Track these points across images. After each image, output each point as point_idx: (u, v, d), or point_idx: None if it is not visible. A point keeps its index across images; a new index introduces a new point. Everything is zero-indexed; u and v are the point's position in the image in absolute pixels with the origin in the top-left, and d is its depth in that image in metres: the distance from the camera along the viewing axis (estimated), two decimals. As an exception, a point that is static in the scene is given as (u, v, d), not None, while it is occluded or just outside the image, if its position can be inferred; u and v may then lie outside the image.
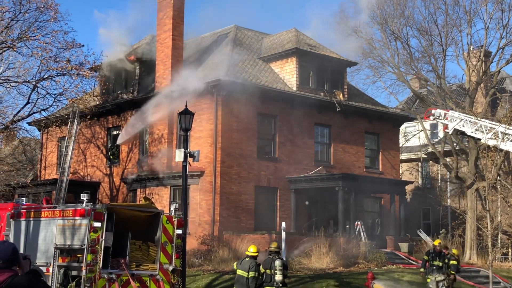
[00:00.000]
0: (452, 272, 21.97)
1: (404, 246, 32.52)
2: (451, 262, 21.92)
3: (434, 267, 21.52)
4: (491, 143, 30.56)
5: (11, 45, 28.75)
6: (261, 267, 16.37)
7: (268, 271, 16.18)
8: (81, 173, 38.24)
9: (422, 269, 22.18)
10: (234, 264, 16.57)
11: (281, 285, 16.12)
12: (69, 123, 33.45)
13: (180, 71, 33.59)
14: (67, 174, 32.91)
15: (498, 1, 35.88)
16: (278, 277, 16.03)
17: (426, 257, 22.00)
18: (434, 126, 43.87)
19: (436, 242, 22.46)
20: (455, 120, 33.31)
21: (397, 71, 39.47)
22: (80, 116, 33.85)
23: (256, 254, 16.28)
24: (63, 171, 33.02)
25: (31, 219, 17.58)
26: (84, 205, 15.71)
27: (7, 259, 5.79)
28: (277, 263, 16.12)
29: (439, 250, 21.84)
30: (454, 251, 23.11)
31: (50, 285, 15.94)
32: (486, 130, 31.82)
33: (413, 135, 45.53)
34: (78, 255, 15.70)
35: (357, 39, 38.90)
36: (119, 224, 15.86)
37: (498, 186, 34.16)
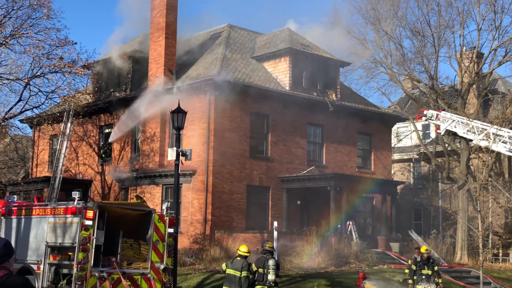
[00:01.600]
0: (439, 280, 20.64)
1: (395, 246, 32.60)
2: (434, 268, 20.59)
3: (423, 276, 20.20)
4: (483, 144, 30.67)
5: (4, 42, 28.67)
6: (253, 265, 16.38)
7: (260, 269, 16.18)
8: (73, 171, 38.14)
9: (410, 281, 20.63)
10: (223, 265, 16.54)
11: (273, 284, 16.13)
12: (63, 121, 33.33)
13: (173, 69, 33.58)
14: (60, 173, 32.78)
15: (490, 2, 36.00)
16: (271, 277, 16.04)
17: (414, 267, 20.63)
18: (426, 127, 43.99)
19: (423, 249, 21.06)
20: (447, 121, 33.38)
21: (390, 71, 39.56)
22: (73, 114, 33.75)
23: (247, 254, 16.30)
24: (56, 169, 32.88)
25: (22, 216, 17.53)
26: (75, 203, 15.67)
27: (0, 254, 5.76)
28: (271, 262, 16.14)
29: (427, 257, 20.63)
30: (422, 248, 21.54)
31: (41, 283, 15.90)
32: (478, 131, 31.91)
33: (405, 135, 45.62)
34: (69, 253, 15.66)
35: (351, 39, 38.98)
36: (111, 223, 15.82)
37: (489, 187, 34.27)
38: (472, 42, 41.54)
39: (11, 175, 41.63)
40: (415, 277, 20.68)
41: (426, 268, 20.33)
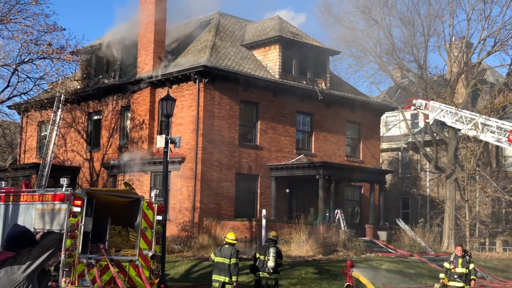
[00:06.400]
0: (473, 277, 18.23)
1: (383, 235, 32.76)
2: (471, 266, 18.25)
3: None
4: (471, 133, 30.85)
5: (-9, 28, 28.39)
6: (257, 253, 16.88)
7: (262, 257, 16.62)
8: (61, 158, 38.01)
9: None
10: (212, 254, 16.64)
11: (271, 271, 16.45)
12: (53, 109, 33.13)
13: (162, 56, 33.44)
14: (50, 161, 32.63)
15: (480, -8, 36.10)
16: (270, 264, 16.48)
17: (448, 265, 17.93)
18: (415, 116, 44.12)
19: None
20: (436, 110, 33.53)
21: (379, 60, 39.63)
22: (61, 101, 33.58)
23: (235, 241, 16.42)
24: (46, 157, 32.71)
25: (10, 203, 17.46)
26: (63, 189, 15.62)
27: (12, 241, 5.75)
28: (271, 250, 16.66)
29: None
30: None
31: None
32: (466, 121, 32.08)
33: (394, 124, 45.76)
34: (57, 240, 15.61)
35: (341, 28, 39.00)
36: (99, 209, 15.79)
37: (477, 177, 34.48)
38: (462, 32, 41.72)
39: (-1, 161, 41.44)
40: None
41: None
